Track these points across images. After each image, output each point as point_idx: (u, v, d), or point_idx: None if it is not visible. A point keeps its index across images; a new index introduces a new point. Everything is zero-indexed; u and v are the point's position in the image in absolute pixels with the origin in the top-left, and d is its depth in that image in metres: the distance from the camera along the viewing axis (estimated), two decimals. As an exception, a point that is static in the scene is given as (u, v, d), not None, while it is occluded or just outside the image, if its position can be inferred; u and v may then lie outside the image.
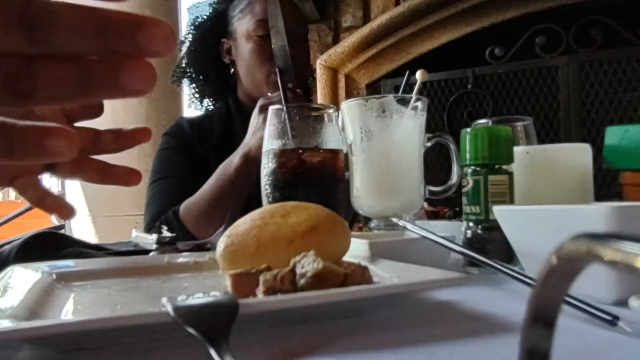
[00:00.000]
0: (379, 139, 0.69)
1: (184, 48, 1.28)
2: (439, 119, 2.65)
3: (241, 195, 0.98)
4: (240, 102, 1.25)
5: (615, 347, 0.31)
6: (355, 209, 0.73)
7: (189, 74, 1.29)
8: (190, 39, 1.27)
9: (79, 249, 0.64)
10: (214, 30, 1.25)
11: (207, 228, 0.91)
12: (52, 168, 0.43)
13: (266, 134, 0.71)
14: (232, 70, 1.26)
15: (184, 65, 1.28)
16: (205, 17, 1.27)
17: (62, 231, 2.34)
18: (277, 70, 0.80)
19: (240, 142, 1.12)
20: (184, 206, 1.03)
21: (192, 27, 1.27)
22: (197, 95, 1.31)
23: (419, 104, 0.70)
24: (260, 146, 0.87)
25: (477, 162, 0.59)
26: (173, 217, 1.03)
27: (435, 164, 2.20)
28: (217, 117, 1.24)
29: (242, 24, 1.20)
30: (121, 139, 0.45)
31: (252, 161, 0.95)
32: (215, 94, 1.31)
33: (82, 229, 2.36)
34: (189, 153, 1.17)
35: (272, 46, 0.88)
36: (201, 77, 1.28)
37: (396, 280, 0.41)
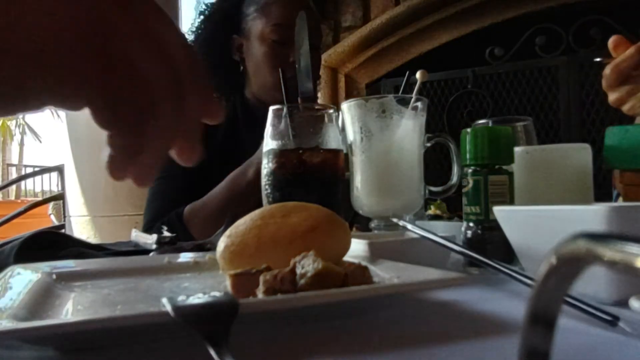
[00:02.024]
0: (379, 139, 0.69)
1: (191, 38, 1.24)
2: (439, 119, 2.65)
3: (251, 205, 0.97)
4: (247, 101, 1.23)
5: (615, 347, 0.31)
6: (355, 209, 0.73)
7: None
8: (199, 30, 1.24)
9: (79, 249, 0.63)
10: (225, 24, 1.21)
11: (212, 234, 0.91)
12: None
13: (266, 134, 0.71)
14: (242, 68, 1.23)
15: None
16: (215, 7, 1.23)
17: (62, 231, 2.34)
18: (280, 70, 0.79)
19: (245, 141, 1.11)
20: (189, 210, 1.02)
21: (201, 17, 1.23)
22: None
23: (419, 104, 0.70)
24: None
25: (477, 162, 0.59)
26: (176, 219, 1.01)
27: (435, 164, 2.20)
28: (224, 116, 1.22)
29: (256, 25, 1.17)
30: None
31: None
32: (220, 89, 1.29)
33: (82, 229, 2.36)
34: None
35: (296, 65, 0.87)
36: (208, 70, 1.26)
37: (396, 280, 0.41)
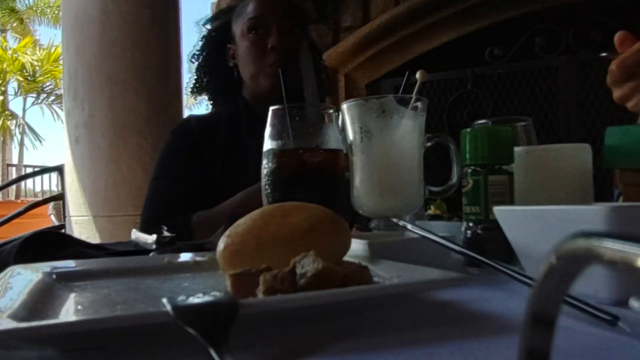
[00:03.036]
0: (379, 139, 0.69)
1: (195, 60, 1.33)
2: (438, 119, 2.65)
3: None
4: (246, 102, 1.25)
5: (615, 347, 0.31)
6: (355, 209, 0.73)
7: (200, 86, 1.33)
8: (203, 51, 1.32)
9: (79, 249, 0.64)
10: (221, 39, 1.28)
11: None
12: None
13: (266, 134, 0.71)
14: (236, 73, 1.27)
15: (196, 76, 1.33)
16: (214, 28, 1.32)
17: (62, 231, 2.34)
18: (280, 70, 0.79)
19: (247, 141, 1.13)
20: (197, 217, 1.02)
21: (203, 41, 1.32)
22: (212, 102, 1.36)
23: (418, 104, 0.70)
24: None
25: (477, 162, 0.59)
26: (183, 225, 1.01)
27: (435, 164, 2.20)
28: (226, 116, 1.24)
29: (237, 26, 1.23)
30: None
31: None
32: (226, 100, 1.32)
33: (82, 229, 2.36)
34: (194, 153, 1.16)
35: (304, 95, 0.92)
36: (212, 85, 1.32)
37: (396, 280, 0.41)
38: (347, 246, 0.48)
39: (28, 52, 13.92)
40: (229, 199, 1.02)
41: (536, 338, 0.16)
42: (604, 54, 0.77)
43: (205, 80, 1.32)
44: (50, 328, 0.30)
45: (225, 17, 1.31)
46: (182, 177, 1.13)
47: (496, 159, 0.59)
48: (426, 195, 0.75)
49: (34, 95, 14.32)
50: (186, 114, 2.54)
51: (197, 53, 1.33)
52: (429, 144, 0.74)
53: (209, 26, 1.34)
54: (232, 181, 1.08)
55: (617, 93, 0.75)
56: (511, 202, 0.59)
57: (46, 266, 0.50)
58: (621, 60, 0.72)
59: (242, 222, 0.47)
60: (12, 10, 14.48)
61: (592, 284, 0.39)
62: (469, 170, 0.60)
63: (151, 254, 0.63)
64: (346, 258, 0.47)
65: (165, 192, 1.12)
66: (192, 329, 0.28)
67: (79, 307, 0.41)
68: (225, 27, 1.28)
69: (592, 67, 2.35)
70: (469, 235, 0.60)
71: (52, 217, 3.69)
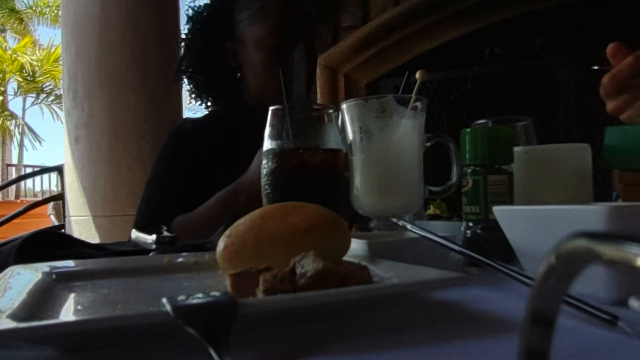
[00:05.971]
0: (379, 139, 0.69)
1: (184, 45, 1.25)
2: (438, 119, 2.65)
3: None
4: (247, 105, 1.22)
5: (615, 347, 0.31)
6: (355, 209, 0.73)
7: (189, 73, 1.25)
8: (191, 37, 1.24)
9: (79, 249, 0.63)
10: (216, 30, 1.21)
11: None
12: None
13: (266, 134, 0.71)
14: (239, 74, 1.22)
15: (184, 63, 1.25)
16: (205, 14, 1.23)
17: (62, 231, 2.34)
18: (280, 71, 0.79)
19: (244, 146, 1.11)
20: (177, 222, 1.01)
21: (191, 24, 1.23)
22: (195, 93, 1.27)
23: (418, 104, 0.70)
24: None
25: (477, 162, 0.59)
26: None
27: (435, 164, 2.20)
28: (222, 119, 1.22)
29: (252, 30, 1.16)
30: None
31: (258, 198, 0.93)
32: (215, 94, 1.27)
33: (82, 229, 2.36)
34: (190, 155, 1.15)
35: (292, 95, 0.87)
36: (201, 76, 1.24)
37: (396, 280, 0.41)
38: (347, 246, 0.48)
39: (28, 52, 13.93)
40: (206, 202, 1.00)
41: (536, 338, 0.16)
42: (595, 67, 0.77)
43: (191, 67, 1.23)
44: (50, 328, 0.30)
45: (221, 2, 1.23)
46: (178, 180, 1.12)
47: (496, 158, 0.59)
48: (426, 195, 0.75)
49: (34, 95, 14.31)
50: (186, 114, 2.52)
51: (185, 37, 1.23)
52: (428, 143, 0.74)
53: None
54: (229, 184, 1.08)
55: (610, 105, 0.75)
56: (511, 202, 0.59)
57: (46, 266, 0.50)
58: (613, 74, 0.72)
59: (242, 222, 0.47)
60: (12, 10, 14.48)
61: (592, 284, 0.39)
62: (469, 170, 0.60)
63: (151, 254, 0.63)
64: (346, 258, 0.47)
65: (160, 194, 1.11)
66: (192, 329, 0.28)
67: (79, 307, 0.41)
68: (222, 17, 1.20)
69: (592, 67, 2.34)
70: (468, 235, 0.60)
71: (52, 217, 3.69)
